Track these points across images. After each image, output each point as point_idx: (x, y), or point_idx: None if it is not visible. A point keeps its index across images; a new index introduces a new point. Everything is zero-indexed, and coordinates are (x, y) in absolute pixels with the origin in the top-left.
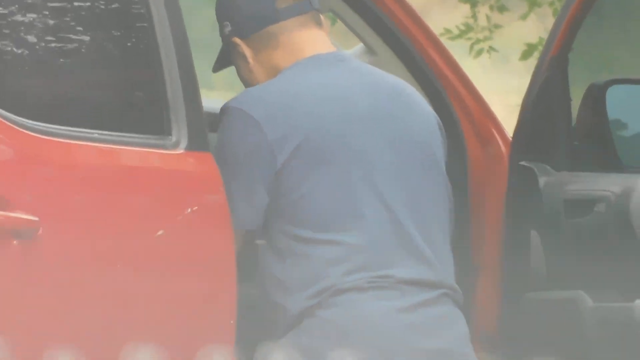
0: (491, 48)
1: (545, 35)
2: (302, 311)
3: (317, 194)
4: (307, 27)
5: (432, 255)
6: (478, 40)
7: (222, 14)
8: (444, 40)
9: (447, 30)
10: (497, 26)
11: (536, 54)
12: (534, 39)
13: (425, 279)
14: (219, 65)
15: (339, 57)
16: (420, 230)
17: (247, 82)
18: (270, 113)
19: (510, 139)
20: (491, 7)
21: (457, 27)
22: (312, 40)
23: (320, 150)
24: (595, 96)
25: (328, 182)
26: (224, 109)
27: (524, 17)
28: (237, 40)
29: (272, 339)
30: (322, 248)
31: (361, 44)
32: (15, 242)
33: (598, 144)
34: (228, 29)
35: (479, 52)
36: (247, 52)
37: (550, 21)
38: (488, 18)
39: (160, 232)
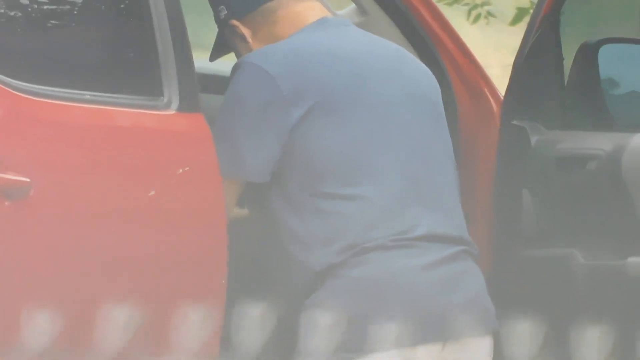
0: (489, 14)
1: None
2: (325, 268)
3: (335, 148)
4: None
5: (447, 208)
6: (475, 6)
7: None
8: (440, 6)
9: None
10: None
11: (526, 19)
12: (525, 3)
13: (444, 234)
14: (216, 53)
15: (342, 22)
16: (435, 184)
17: None
18: (285, 69)
19: (502, 97)
20: None
21: None
22: (312, 9)
23: (338, 105)
24: (588, 55)
25: (345, 136)
26: (237, 65)
27: None
28: (235, 22)
29: (291, 296)
30: (342, 203)
31: (353, 5)
32: (6, 202)
33: (590, 103)
34: (224, 12)
35: (477, 18)
36: (245, 32)
37: None
38: None
39: (152, 193)
